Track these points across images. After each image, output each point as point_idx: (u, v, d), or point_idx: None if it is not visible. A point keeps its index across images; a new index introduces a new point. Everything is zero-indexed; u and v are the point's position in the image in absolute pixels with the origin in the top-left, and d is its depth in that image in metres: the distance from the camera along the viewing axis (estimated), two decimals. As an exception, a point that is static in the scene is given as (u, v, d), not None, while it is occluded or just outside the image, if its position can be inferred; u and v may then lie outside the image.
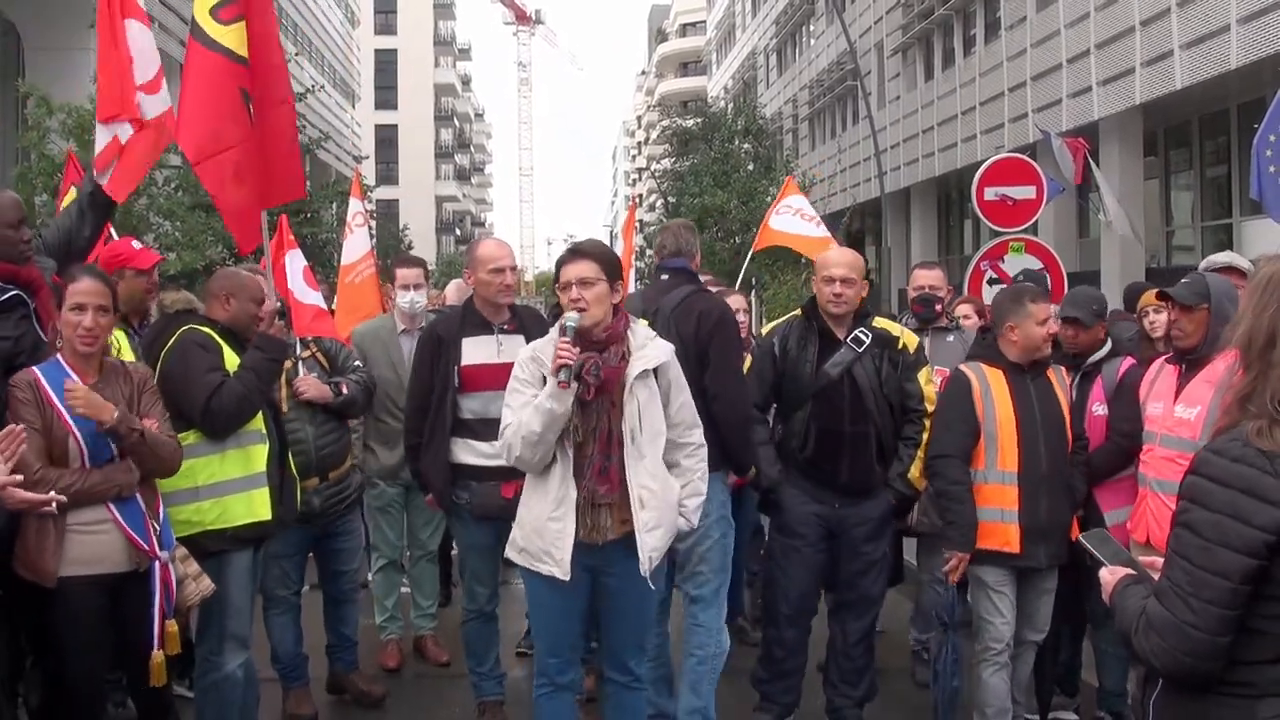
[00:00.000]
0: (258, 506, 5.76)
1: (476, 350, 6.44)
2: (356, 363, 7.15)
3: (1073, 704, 6.91)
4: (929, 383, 6.61)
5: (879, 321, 6.65)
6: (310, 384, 6.77)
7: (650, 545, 5.18)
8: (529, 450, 5.13)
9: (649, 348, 5.32)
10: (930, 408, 6.52)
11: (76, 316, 4.93)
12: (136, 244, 7.15)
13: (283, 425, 6.21)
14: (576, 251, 5.34)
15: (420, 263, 8.49)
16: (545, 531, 5.18)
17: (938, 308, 7.80)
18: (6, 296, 5.22)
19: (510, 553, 5.43)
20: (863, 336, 6.50)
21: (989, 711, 6.22)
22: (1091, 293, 6.91)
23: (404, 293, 8.06)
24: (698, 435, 5.49)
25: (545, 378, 5.12)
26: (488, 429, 6.16)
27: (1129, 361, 6.73)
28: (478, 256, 6.58)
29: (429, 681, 7.83)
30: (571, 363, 5.01)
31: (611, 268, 5.30)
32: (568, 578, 5.14)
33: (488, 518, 6.39)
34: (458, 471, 6.43)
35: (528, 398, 5.15)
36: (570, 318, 5.13)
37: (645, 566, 5.19)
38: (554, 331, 5.24)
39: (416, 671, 8.04)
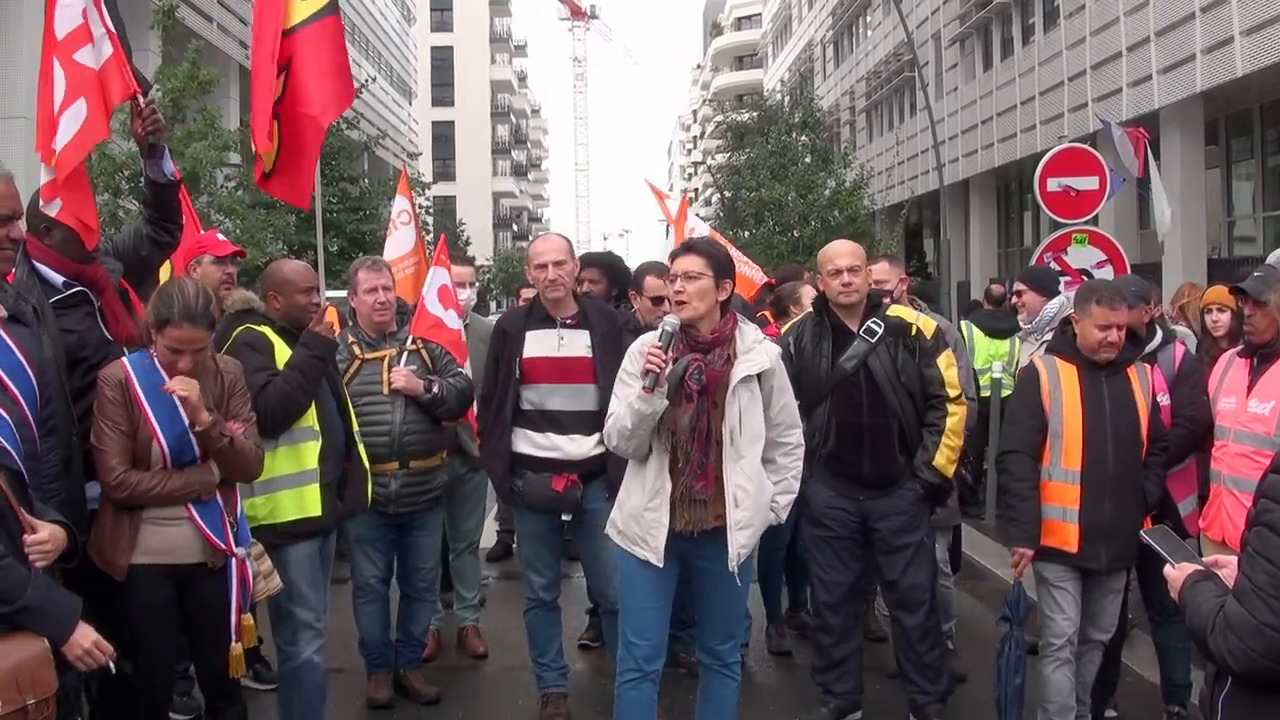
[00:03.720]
0: (308, 503, 5.85)
1: (538, 343, 6.52)
2: (460, 369, 7.27)
3: (1111, 701, 6.84)
4: (950, 367, 6.58)
5: (895, 310, 6.71)
6: (403, 376, 6.88)
7: (739, 543, 5.34)
8: (624, 442, 5.33)
9: (755, 351, 5.42)
10: (953, 392, 6.51)
11: (172, 357, 4.91)
12: (220, 236, 7.27)
13: (351, 417, 6.28)
14: (686, 246, 5.48)
15: (470, 260, 9.01)
16: (642, 520, 5.37)
17: (886, 300, 7.68)
18: (72, 291, 5.28)
19: (610, 531, 5.61)
20: (875, 327, 6.54)
21: (1050, 708, 6.18)
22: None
23: (458, 290, 8.24)
24: (796, 435, 5.64)
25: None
26: (544, 420, 6.46)
27: (1182, 348, 6.74)
28: (530, 254, 6.71)
29: (491, 673, 7.87)
30: (658, 369, 5.12)
31: (720, 266, 5.39)
32: (662, 564, 5.35)
33: (536, 509, 6.52)
34: (515, 460, 6.54)
35: (632, 390, 5.24)
36: (670, 322, 5.24)
37: (733, 562, 5.35)
38: (661, 328, 5.30)
39: (491, 664, 8.08)
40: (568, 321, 6.58)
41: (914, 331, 6.56)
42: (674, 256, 5.49)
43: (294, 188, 6.86)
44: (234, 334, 5.96)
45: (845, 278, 6.51)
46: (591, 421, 6.39)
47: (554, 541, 6.77)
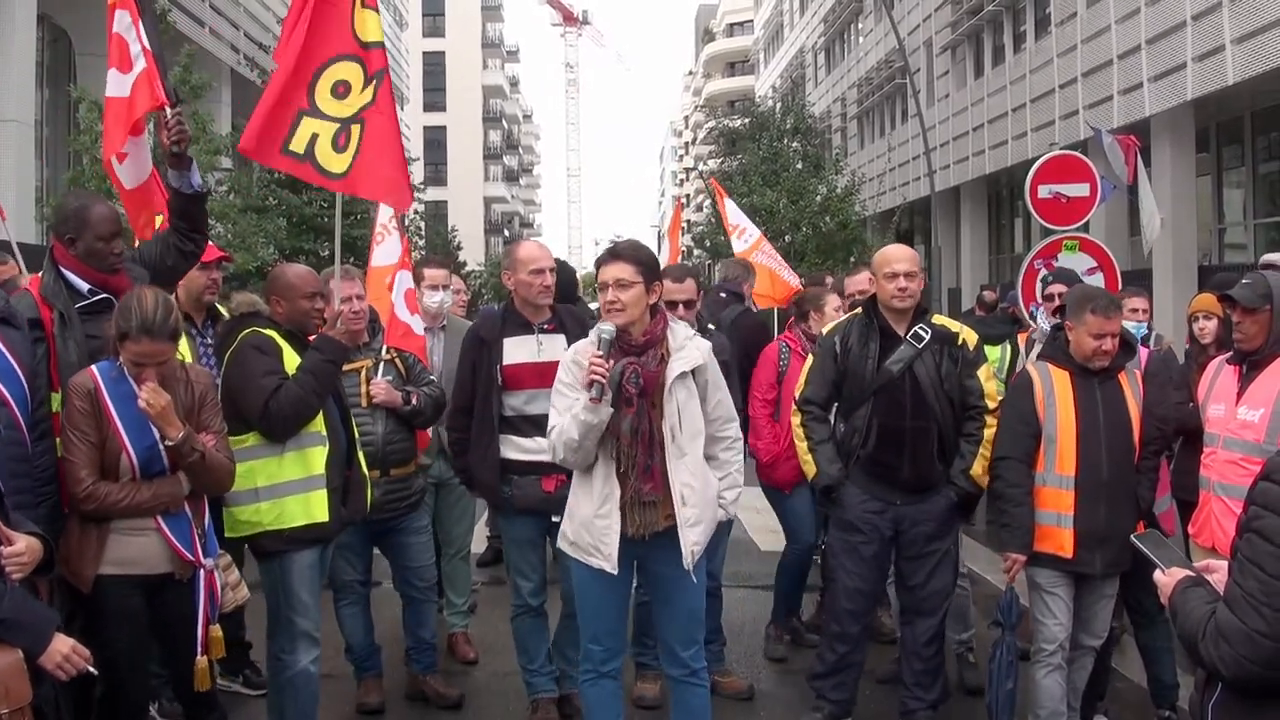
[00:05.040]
0: (315, 509, 5.82)
1: (517, 350, 6.54)
2: (431, 377, 7.29)
3: (1101, 706, 6.84)
4: (990, 379, 6.64)
5: (938, 318, 6.76)
6: (383, 389, 6.88)
7: (692, 540, 5.35)
8: (570, 454, 5.32)
9: (688, 348, 5.44)
10: (992, 404, 6.54)
11: (134, 370, 4.89)
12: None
13: (352, 425, 6.29)
14: (613, 253, 5.46)
15: (446, 264, 8.94)
16: (593, 528, 5.35)
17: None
18: (97, 298, 5.34)
19: (562, 544, 5.59)
20: (922, 333, 6.57)
21: (1041, 713, 6.18)
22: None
23: (432, 292, 8.29)
24: (734, 429, 5.67)
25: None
26: (529, 425, 6.44)
27: (1147, 351, 6.85)
28: (518, 258, 6.67)
29: (482, 679, 7.84)
30: (603, 378, 5.14)
31: (649, 269, 5.40)
32: (616, 571, 5.33)
33: (530, 510, 6.52)
34: (502, 466, 6.55)
35: (571, 400, 5.29)
36: (606, 330, 5.25)
37: (688, 561, 5.35)
38: (592, 333, 5.35)
39: (481, 670, 8.07)
40: (545, 326, 6.62)
41: (959, 341, 6.62)
42: (600, 264, 5.47)
43: (397, 192, 6.99)
44: (239, 336, 5.95)
45: (902, 282, 6.54)
46: None
47: (541, 546, 6.78)
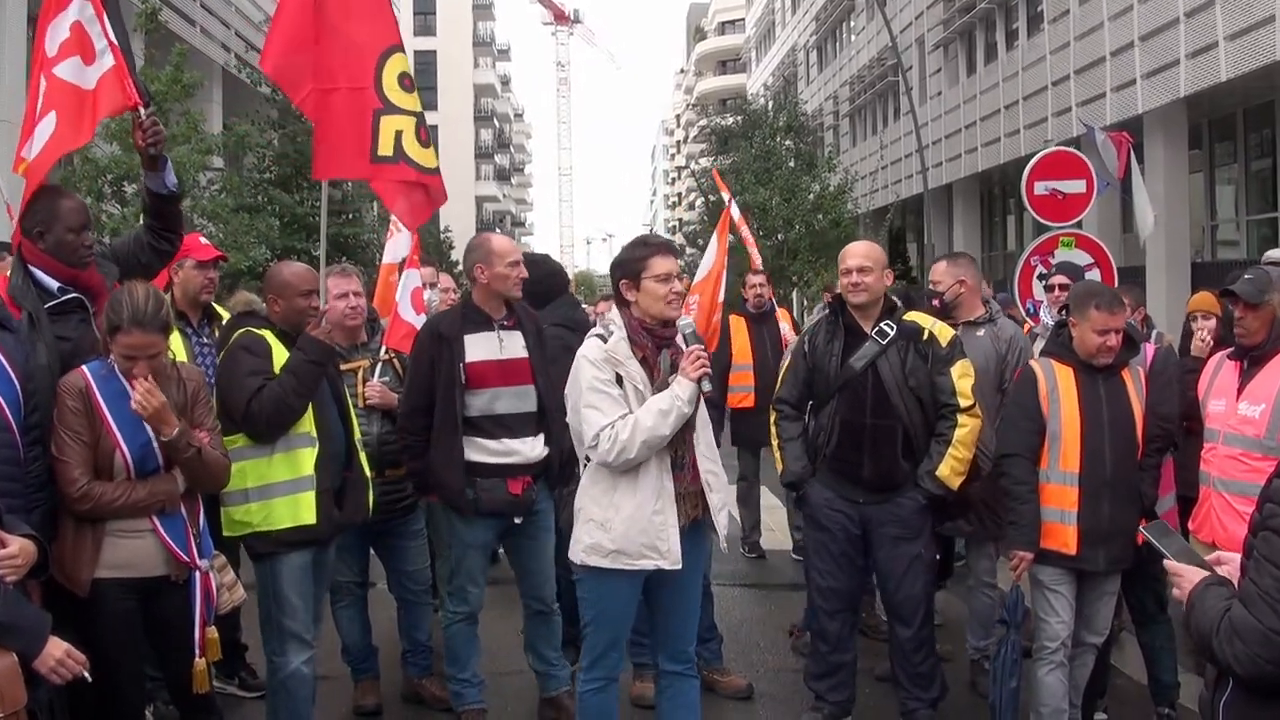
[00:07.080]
0: (302, 511, 5.78)
1: (479, 346, 6.45)
2: None
3: (1101, 704, 6.83)
4: (964, 377, 6.49)
5: (911, 315, 6.63)
6: (378, 390, 6.85)
7: (722, 524, 5.44)
8: (648, 452, 5.19)
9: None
10: (964, 403, 6.44)
11: (126, 364, 4.84)
12: (203, 240, 7.25)
13: (353, 425, 6.24)
14: (670, 248, 5.48)
15: (432, 261, 9.00)
16: (649, 527, 5.24)
17: (934, 302, 7.55)
18: (67, 298, 5.25)
19: (592, 559, 5.36)
20: (887, 329, 6.50)
21: (1044, 711, 6.16)
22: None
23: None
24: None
25: (621, 377, 5.23)
26: (492, 425, 6.37)
27: (1152, 348, 6.80)
28: (494, 251, 6.54)
29: (494, 680, 7.82)
30: (708, 368, 5.15)
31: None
32: (680, 566, 5.27)
33: (494, 513, 6.45)
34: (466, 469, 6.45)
35: (615, 397, 5.19)
36: (686, 323, 5.29)
37: (724, 545, 5.55)
38: (616, 331, 5.32)
39: (487, 671, 8.00)
40: (505, 323, 6.54)
41: (926, 337, 6.49)
42: (654, 255, 5.34)
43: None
44: (234, 336, 5.91)
45: (855, 277, 6.50)
46: (535, 423, 6.43)
47: (490, 551, 6.79)
